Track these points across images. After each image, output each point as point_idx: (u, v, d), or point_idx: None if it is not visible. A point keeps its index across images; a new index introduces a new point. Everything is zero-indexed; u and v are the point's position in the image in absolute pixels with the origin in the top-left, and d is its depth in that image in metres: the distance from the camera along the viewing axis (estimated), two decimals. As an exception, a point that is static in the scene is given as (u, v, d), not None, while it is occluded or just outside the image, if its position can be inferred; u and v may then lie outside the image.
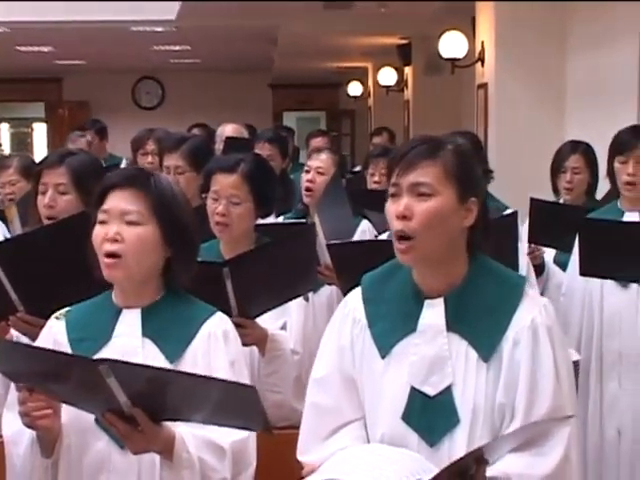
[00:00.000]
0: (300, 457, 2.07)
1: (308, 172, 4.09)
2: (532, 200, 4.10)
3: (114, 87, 15.64)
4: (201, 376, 1.97)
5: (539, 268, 4.04)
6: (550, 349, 1.95)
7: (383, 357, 2.01)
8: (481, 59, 7.29)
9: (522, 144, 6.56)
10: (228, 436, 2.08)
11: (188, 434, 2.04)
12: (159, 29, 10.45)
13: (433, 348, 1.97)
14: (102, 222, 2.13)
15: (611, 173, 3.64)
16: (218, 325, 2.19)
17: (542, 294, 3.97)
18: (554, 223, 3.71)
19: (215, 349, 2.15)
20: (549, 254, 4.15)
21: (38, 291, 2.60)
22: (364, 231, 3.97)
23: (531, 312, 1.97)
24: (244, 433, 2.09)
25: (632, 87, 5.64)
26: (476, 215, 1.98)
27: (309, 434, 2.07)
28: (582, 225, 3.42)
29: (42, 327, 2.54)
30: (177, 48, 12.60)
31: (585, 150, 4.32)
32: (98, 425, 2.07)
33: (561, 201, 4.34)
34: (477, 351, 1.95)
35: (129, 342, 2.14)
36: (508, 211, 3.77)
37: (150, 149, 4.96)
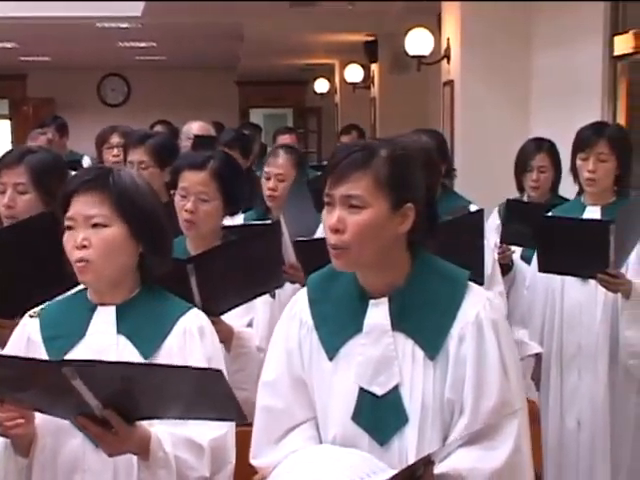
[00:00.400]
0: (253, 461, 2.07)
1: (269, 179, 4.03)
2: (509, 201, 4.13)
3: (79, 84, 15.53)
4: (167, 365, 1.96)
5: (507, 267, 4.07)
6: (496, 343, 1.95)
7: (331, 359, 2.01)
8: (447, 56, 7.32)
9: (488, 141, 6.60)
10: (206, 434, 2.07)
11: (164, 433, 2.03)
12: (124, 26, 10.39)
13: (379, 348, 1.97)
14: (69, 228, 2.13)
15: (574, 169, 3.68)
16: (193, 321, 2.18)
17: (509, 292, 4.02)
18: (527, 223, 3.74)
19: (191, 345, 2.14)
20: (518, 251, 4.19)
21: (2, 293, 2.57)
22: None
23: (475, 307, 1.97)
24: (222, 430, 2.09)
25: (596, 85, 5.69)
26: (414, 219, 1.96)
27: (261, 437, 2.07)
28: (538, 222, 3.45)
29: (8, 328, 2.53)
30: (143, 45, 12.53)
31: (549, 148, 4.37)
32: (73, 423, 2.04)
33: (525, 198, 4.38)
34: (423, 349, 1.96)
35: (103, 339, 2.13)
36: (472, 207, 3.79)
37: (115, 142, 4.93)
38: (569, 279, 3.60)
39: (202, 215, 2.92)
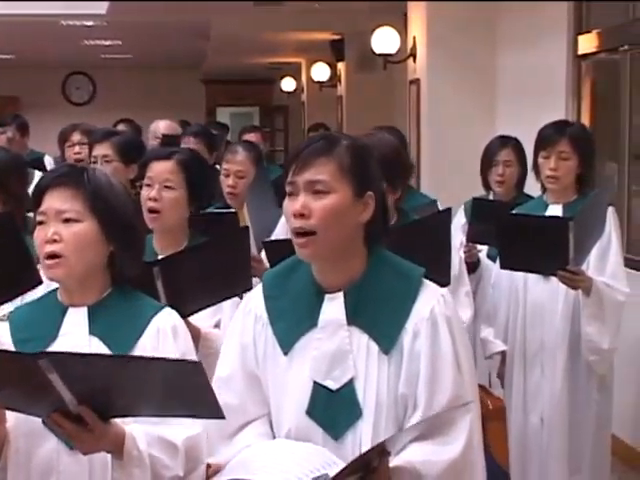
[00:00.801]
0: (209, 459, 2.06)
1: (228, 176, 3.98)
2: (474, 200, 4.15)
3: (44, 82, 15.41)
4: (145, 357, 1.95)
5: (473, 265, 4.09)
6: (449, 339, 1.97)
7: (285, 353, 2.02)
8: (413, 55, 7.34)
9: (454, 139, 6.63)
10: (180, 433, 2.06)
11: (139, 431, 2.01)
12: (89, 24, 10.32)
13: (334, 342, 1.98)
14: (40, 223, 2.11)
15: (536, 167, 3.71)
16: (167, 320, 2.17)
17: (476, 290, 4.04)
18: (492, 221, 3.76)
19: (164, 344, 2.13)
20: (484, 250, 4.21)
21: None
22: (285, 223, 3.96)
23: (430, 303, 1.99)
24: (196, 430, 2.07)
25: (560, 84, 5.74)
26: (373, 209, 1.99)
27: (215, 434, 2.07)
28: (499, 220, 3.47)
29: None
30: (108, 43, 12.46)
31: (515, 144, 4.40)
32: (46, 426, 2.02)
33: (491, 196, 4.40)
34: (378, 344, 1.97)
35: (76, 341, 2.11)
36: (438, 205, 3.82)
37: (76, 140, 4.92)
38: (532, 277, 3.62)
39: (166, 203, 2.91)
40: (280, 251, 3.00)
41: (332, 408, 1.97)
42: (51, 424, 1.93)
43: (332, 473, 1.80)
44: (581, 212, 3.35)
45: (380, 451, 1.84)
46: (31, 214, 3.48)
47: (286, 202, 1.99)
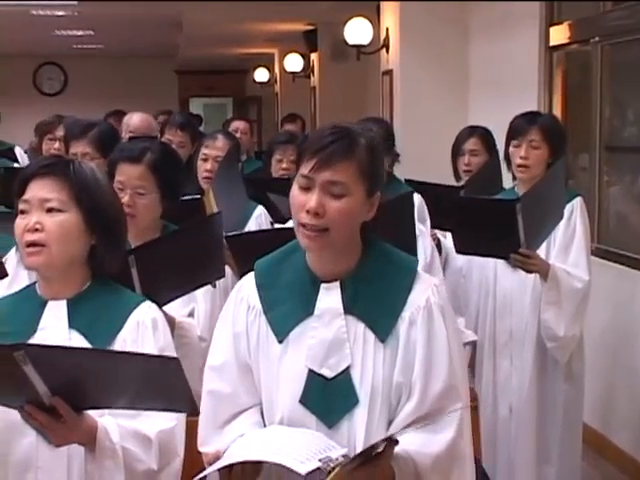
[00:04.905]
0: (201, 448, 2.07)
1: (206, 160, 4.04)
2: (407, 182, 4.05)
3: (14, 72, 15.27)
4: (122, 352, 1.95)
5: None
6: (444, 328, 1.99)
7: (280, 341, 2.02)
8: (386, 46, 7.35)
9: (427, 130, 6.65)
10: (154, 426, 2.06)
11: (112, 424, 2.01)
12: (60, 13, 10.24)
13: (331, 331, 1.99)
14: (22, 212, 2.10)
15: (507, 157, 3.74)
16: (147, 313, 2.16)
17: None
18: (439, 204, 3.75)
19: (143, 338, 2.12)
20: (450, 237, 4.20)
21: None
22: (259, 215, 3.98)
23: (425, 292, 2.01)
24: (171, 423, 2.08)
25: (532, 75, 5.77)
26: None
27: (207, 423, 2.07)
28: (450, 204, 3.48)
29: None
30: (80, 33, 12.37)
31: (482, 133, 4.40)
32: (23, 418, 1.99)
33: (462, 184, 4.41)
34: (374, 332, 1.99)
35: (55, 334, 2.10)
36: (415, 195, 3.81)
37: (59, 135, 4.87)
38: (501, 267, 3.65)
39: (140, 209, 2.88)
40: (244, 244, 3.00)
41: (327, 396, 1.98)
42: (25, 415, 1.92)
43: (334, 456, 1.83)
44: (529, 194, 3.35)
45: (388, 438, 1.86)
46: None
47: (297, 193, 1.97)
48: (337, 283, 2.01)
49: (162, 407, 1.99)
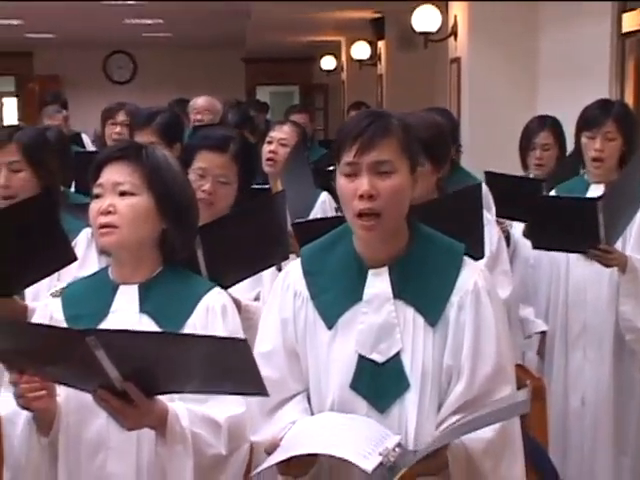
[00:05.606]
0: (252, 437, 2.09)
1: (270, 143, 4.11)
2: (486, 174, 4.09)
3: (85, 61, 15.50)
4: (190, 335, 1.97)
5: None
6: (492, 311, 2.01)
7: (329, 328, 2.04)
8: (454, 33, 7.30)
9: (494, 118, 6.59)
10: (224, 411, 2.08)
11: (182, 409, 2.04)
12: (131, 2, 10.36)
13: (381, 316, 2.01)
14: (97, 196, 2.14)
15: (578, 148, 3.67)
16: (216, 299, 2.19)
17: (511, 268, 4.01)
18: (513, 196, 3.74)
19: (213, 323, 2.15)
20: (519, 227, 4.17)
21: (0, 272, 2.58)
22: (324, 202, 4.01)
23: (472, 277, 2.03)
24: (240, 409, 2.09)
25: (603, 61, 5.67)
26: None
27: (256, 409, 2.09)
28: (531, 202, 3.46)
29: (4, 305, 2.55)
30: (149, 22, 12.49)
31: (553, 125, 4.35)
32: (95, 401, 2.02)
33: (531, 176, 4.36)
34: (424, 316, 2.00)
35: (126, 318, 2.13)
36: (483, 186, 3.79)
37: (120, 120, 4.95)
38: (573, 257, 3.59)
39: (219, 197, 2.89)
40: (310, 231, 3.01)
41: (378, 381, 2.00)
42: (97, 400, 1.95)
43: (390, 445, 1.85)
44: (610, 192, 3.32)
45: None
46: (68, 189, 3.53)
47: (344, 182, 1.99)
48: (385, 268, 2.03)
49: (232, 390, 2.00)
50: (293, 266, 2.15)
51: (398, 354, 2.00)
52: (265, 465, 1.90)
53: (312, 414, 2.06)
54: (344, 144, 1.99)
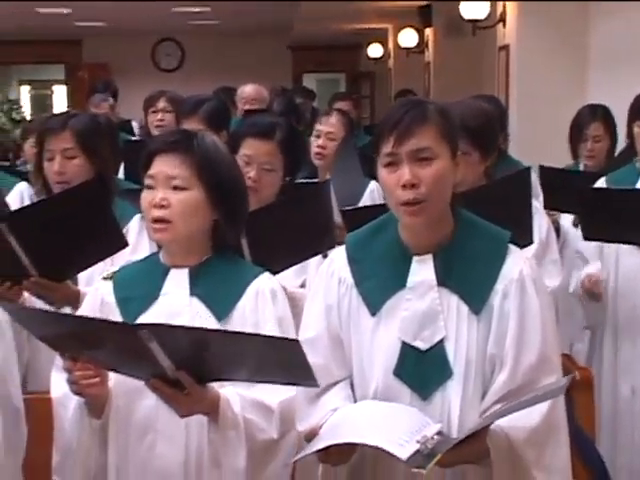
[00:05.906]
0: (299, 427, 2.09)
1: (319, 137, 4.14)
2: (541, 168, 4.08)
3: (133, 49, 15.59)
4: (243, 333, 1.99)
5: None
6: (537, 300, 1.99)
7: (373, 314, 2.04)
8: (503, 20, 7.23)
9: (543, 106, 6.53)
10: (275, 396, 2.10)
11: (234, 394, 2.06)
12: (179, -10, 10.40)
13: (425, 303, 2.01)
14: (149, 187, 2.16)
15: (630, 137, 3.63)
16: (266, 284, 2.21)
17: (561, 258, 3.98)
18: (567, 189, 3.71)
19: (263, 307, 2.17)
20: (568, 218, 4.14)
21: (51, 256, 2.62)
22: (372, 191, 4.02)
23: (518, 265, 2.02)
24: (291, 392, 2.11)
25: (655, 49, 5.59)
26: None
27: (300, 395, 2.10)
28: (582, 194, 3.43)
29: (57, 290, 2.58)
30: (197, 10, 12.53)
31: (604, 115, 4.31)
32: (146, 384, 2.06)
33: (581, 167, 4.32)
34: (468, 304, 2.00)
35: (177, 301, 2.16)
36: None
37: (161, 107, 4.99)
38: (623, 246, 3.56)
39: (264, 184, 2.91)
40: (359, 219, 3.01)
41: (421, 368, 1.99)
42: (151, 389, 1.98)
43: (429, 434, 1.84)
44: None
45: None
46: (118, 176, 3.57)
47: (385, 173, 1.99)
48: (430, 255, 2.02)
49: (283, 382, 2.02)
50: (338, 253, 2.16)
51: (441, 342, 2.00)
52: (304, 453, 1.91)
53: (355, 401, 2.07)
54: (382, 135, 1.99)
